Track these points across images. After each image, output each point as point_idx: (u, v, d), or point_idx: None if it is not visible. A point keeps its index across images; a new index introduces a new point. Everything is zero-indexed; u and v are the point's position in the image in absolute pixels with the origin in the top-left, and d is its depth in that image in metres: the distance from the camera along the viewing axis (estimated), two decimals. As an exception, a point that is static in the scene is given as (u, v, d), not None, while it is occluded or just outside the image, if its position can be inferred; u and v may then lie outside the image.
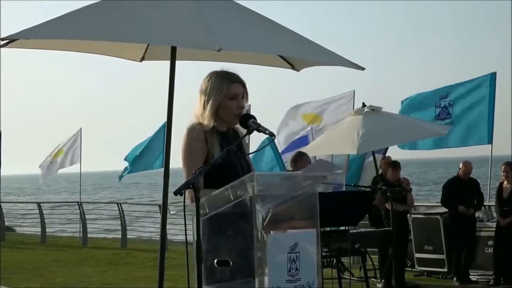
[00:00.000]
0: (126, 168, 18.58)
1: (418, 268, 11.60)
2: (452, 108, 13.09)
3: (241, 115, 3.79)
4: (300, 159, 7.90)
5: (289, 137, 14.84)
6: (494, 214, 11.30)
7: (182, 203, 3.40)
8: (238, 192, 3.28)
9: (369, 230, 9.64)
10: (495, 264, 10.48)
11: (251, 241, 3.22)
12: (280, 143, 14.64)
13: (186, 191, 3.32)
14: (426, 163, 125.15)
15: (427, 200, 34.25)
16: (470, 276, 10.77)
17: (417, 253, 11.56)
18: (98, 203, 29.94)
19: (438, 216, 11.31)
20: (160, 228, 5.86)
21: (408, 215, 11.27)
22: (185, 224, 3.30)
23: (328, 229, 6.83)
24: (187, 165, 3.74)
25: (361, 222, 8.73)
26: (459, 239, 10.74)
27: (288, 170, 8.50)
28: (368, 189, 8.91)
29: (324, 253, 6.71)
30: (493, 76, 12.86)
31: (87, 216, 19.47)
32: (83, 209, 19.03)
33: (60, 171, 21.62)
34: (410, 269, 11.54)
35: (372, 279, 10.07)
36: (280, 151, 14.05)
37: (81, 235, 18.81)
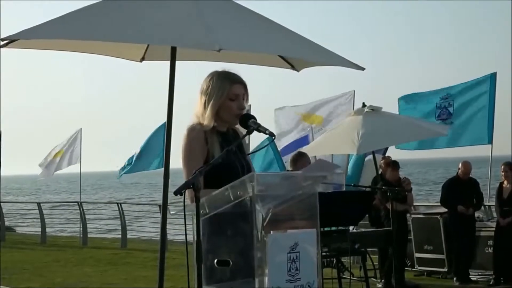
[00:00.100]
0: (124, 167, 18.62)
1: (418, 268, 11.61)
2: (452, 109, 13.10)
3: (241, 115, 3.80)
4: (300, 159, 7.90)
5: (287, 136, 14.83)
6: (494, 214, 11.30)
7: (182, 203, 3.40)
8: (238, 192, 3.28)
9: (369, 230, 9.65)
10: (495, 264, 10.48)
11: (251, 241, 3.23)
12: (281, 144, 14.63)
13: (186, 191, 3.32)
14: (426, 163, 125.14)
15: (427, 200, 34.25)
16: (470, 276, 10.77)
17: (417, 253, 11.57)
18: (98, 203, 29.94)
19: (438, 216, 11.32)
20: (160, 228, 5.86)
21: (408, 215, 11.28)
22: (185, 224, 3.30)
23: (328, 229, 6.83)
24: (187, 165, 3.75)
25: (361, 222, 8.74)
26: (458, 239, 10.75)
27: (288, 170, 8.50)
28: (368, 189, 8.91)
29: (324, 253, 6.71)
30: (493, 76, 12.86)
31: (87, 216, 19.47)
32: (83, 209, 19.03)
33: (60, 171, 21.62)
34: (410, 269, 11.55)
35: (372, 279, 10.08)
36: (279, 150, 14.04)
37: (81, 235, 18.81)
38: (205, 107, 3.83)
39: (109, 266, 13.89)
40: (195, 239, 3.22)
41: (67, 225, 24.58)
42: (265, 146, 11.11)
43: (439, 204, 11.59)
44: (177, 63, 5.32)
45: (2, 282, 11.22)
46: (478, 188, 11.01)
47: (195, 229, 3.24)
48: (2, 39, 4.67)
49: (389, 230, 8.48)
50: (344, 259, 9.83)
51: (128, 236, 18.07)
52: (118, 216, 18.22)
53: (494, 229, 10.64)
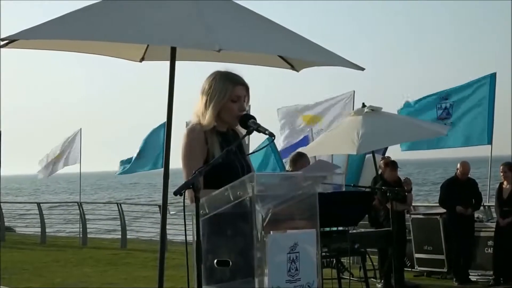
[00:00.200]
0: (123, 167, 18.63)
1: (418, 268, 11.60)
2: (453, 109, 13.11)
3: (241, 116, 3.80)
4: (300, 160, 7.89)
5: (289, 136, 14.84)
6: (494, 215, 11.30)
7: (182, 204, 3.40)
8: (238, 193, 3.28)
9: (369, 230, 9.64)
10: (495, 264, 10.48)
11: (251, 241, 3.23)
12: (281, 144, 14.64)
13: (186, 191, 3.32)
14: (425, 163, 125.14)
15: (426, 200, 34.25)
16: (469, 276, 10.77)
17: (417, 253, 11.57)
18: (98, 203, 29.95)
19: (438, 216, 11.31)
20: (160, 228, 5.86)
21: (408, 215, 11.28)
22: (184, 224, 3.30)
23: (328, 229, 6.83)
24: (187, 166, 3.74)
25: (361, 222, 8.74)
26: (457, 240, 10.75)
27: (287, 171, 8.50)
28: (368, 189, 8.91)
29: (323, 253, 6.71)
30: (493, 77, 12.88)
31: (87, 216, 19.47)
32: (83, 209, 19.03)
33: (59, 171, 21.62)
34: (410, 269, 11.55)
35: (372, 279, 10.08)
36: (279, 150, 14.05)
37: (81, 235, 18.82)
38: (206, 107, 3.83)
39: (109, 266, 13.89)
40: (195, 239, 3.22)
41: (67, 225, 24.58)
42: (265, 146, 11.10)
43: (438, 204, 11.59)
44: (177, 63, 5.32)
45: (2, 282, 11.22)
46: (477, 188, 11.00)
47: (195, 229, 3.24)
48: (2, 39, 4.67)
49: (389, 231, 8.48)
50: (344, 260, 9.83)
51: (128, 236, 18.07)
52: (118, 216, 18.22)
53: (494, 229, 10.64)
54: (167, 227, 12.65)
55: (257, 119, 3.73)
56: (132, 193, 72.39)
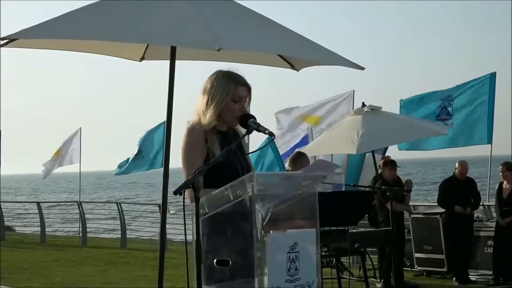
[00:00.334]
0: (120, 167, 18.67)
1: (418, 268, 11.60)
2: (452, 109, 13.11)
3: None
4: (299, 159, 7.89)
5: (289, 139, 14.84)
6: (494, 214, 11.30)
7: (182, 203, 3.40)
8: (238, 192, 3.28)
9: (369, 230, 9.64)
10: (495, 264, 10.48)
11: (250, 241, 3.23)
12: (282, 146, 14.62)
13: (186, 191, 3.32)
14: (425, 163, 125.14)
15: (425, 199, 34.25)
16: (469, 276, 10.77)
17: (417, 253, 11.57)
18: (98, 203, 29.94)
19: (438, 216, 11.31)
20: (159, 227, 5.86)
21: (408, 215, 11.28)
22: (184, 224, 3.30)
23: (327, 228, 6.83)
24: (187, 165, 3.74)
25: (360, 222, 8.74)
26: (456, 239, 10.75)
27: (287, 170, 8.49)
28: (367, 189, 8.91)
29: (323, 253, 6.71)
30: (493, 76, 12.88)
31: (86, 216, 19.47)
32: (82, 209, 19.03)
33: (59, 170, 21.63)
34: (410, 268, 11.55)
35: (372, 278, 10.08)
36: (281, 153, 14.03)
37: (81, 235, 18.82)
38: (207, 106, 3.82)
39: (108, 265, 13.89)
40: (195, 238, 3.22)
41: (67, 224, 24.58)
42: (265, 146, 11.11)
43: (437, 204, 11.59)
44: (177, 62, 5.31)
45: (2, 281, 11.22)
46: (475, 188, 11.00)
47: (194, 228, 3.24)
48: (2, 39, 4.66)
49: (389, 230, 8.48)
50: (344, 259, 9.82)
51: (127, 236, 18.07)
52: (118, 215, 18.22)
53: (493, 229, 10.65)
54: (167, 226, 12.66)
55: (256, 119, 3.73)
56: (131, 192, 72.40)
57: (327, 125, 14.09)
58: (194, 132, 3.81)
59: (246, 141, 4.06)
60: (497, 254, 10.44)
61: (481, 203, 11.44)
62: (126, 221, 18.21)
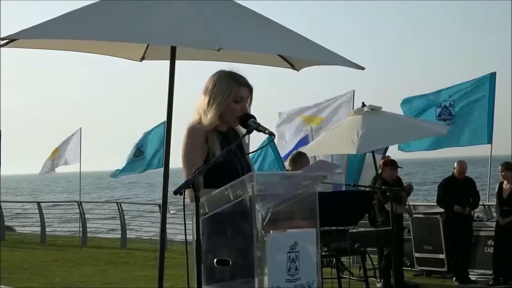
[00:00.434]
0: (117, 170, 18.74)
1: (418, 268, 11.61)
2: (453, 108, 13.12)
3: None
4: (299, 159, 7.90)
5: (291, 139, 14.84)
6: (494, 214, 11.31)
7: (182, 203, 3.40)
8: (238, 192, 3.28)
9: (369, 230, 9.65)
10: (495, 264, 10.49)
11: (250, 241, 3.23)
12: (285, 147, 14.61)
13: (186, 191, 3.32)
14: (424, 163, 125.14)
15: (425, 199, 34.26)
16: (469, 276, 10.78)
17: (417, 253, 11.57)
18: (98, 203, 29.93)
19: (438, 216, 11.32)
20: (160, 227, 5.86)
21: (408, 216, 11.28)
22: (184, 224, 3.30)
23: (328, 228, 6.83)
24: (187, 165, 3.74)
25: (361, 221, 8.74)
26: (456, 239, 10.75)
27: (287, 170, 8.50)
28: (367, 189, 8.91)
29: (323, 253, 6.71)
30: (493, 76, 12.88)
31: (86, 216, 19.47)
32: (82, 209, 19.03)
33: (58, 170, 21.62)
34: (410, 268, 11.55)
35: (372, 278, 10.08)
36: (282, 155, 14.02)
37: (81, 235, 18.82)
38: (208, 106, 3.82)
39: (108, 265, 13.89)
40: (195, 238, 3.22)
41: (67, 224, 24.58)
42: (265, 145, 11.11)
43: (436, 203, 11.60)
44: (177, 62, 5.32)
45: (2, 281, 11.22)
46: (475, 187, 11.00)
47: (194, 228, 3.24)
48: (2, 39, 4.66)
49: (388, 230, 8.48)
50: (344, 259, 9.83)
51: (127, 236, 18.08)
52: (118, 215, 18.22)
53: (494, 229, 10.65)
54: (167, 226, 12.65)
55: (256, 119, 3.73)
56: (131, 192, 72.38)
57: (327, 125, 14.09)
58: (195, 132, 3.81)
59: (246, 141, 4.06)
60: (497, 253, 10.44)
61: (481, 203, 11.46)
62: (126, 221, 18.21)
